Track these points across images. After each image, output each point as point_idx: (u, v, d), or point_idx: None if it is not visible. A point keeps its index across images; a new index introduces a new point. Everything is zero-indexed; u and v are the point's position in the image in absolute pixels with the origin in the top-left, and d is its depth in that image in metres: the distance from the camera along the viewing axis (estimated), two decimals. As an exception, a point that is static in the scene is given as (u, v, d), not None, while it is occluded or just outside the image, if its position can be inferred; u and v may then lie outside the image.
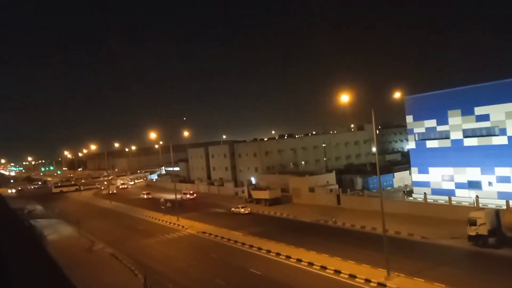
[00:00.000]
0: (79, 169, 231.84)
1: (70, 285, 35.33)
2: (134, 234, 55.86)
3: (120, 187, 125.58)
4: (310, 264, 34.83)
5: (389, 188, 66.50)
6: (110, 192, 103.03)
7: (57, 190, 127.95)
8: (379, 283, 28.99)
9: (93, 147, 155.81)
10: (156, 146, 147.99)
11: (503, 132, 47.61)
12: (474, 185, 50.61)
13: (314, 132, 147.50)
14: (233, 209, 65.47)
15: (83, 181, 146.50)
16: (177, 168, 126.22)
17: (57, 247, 51.79)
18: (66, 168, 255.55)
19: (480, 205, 43.39)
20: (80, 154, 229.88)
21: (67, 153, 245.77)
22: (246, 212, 63.20)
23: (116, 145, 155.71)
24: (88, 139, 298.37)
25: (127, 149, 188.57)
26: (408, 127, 59.52)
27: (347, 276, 31.21)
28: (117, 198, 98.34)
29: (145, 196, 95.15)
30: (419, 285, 27.61)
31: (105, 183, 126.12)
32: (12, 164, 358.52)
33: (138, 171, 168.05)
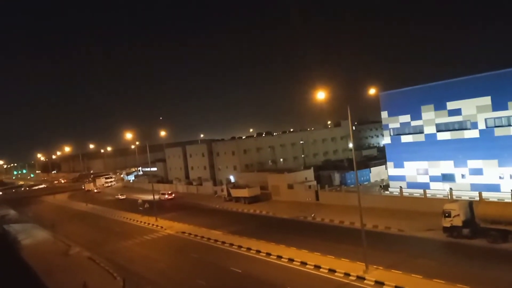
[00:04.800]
0: (53, 172, 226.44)
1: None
2: (112, 236, 54.94)
3: (105, 185, 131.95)
4: (291, 260, 35.02)
5: (366, 183, 67.51)
6: (96, 190, 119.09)
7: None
8: (358, 277, 29.40)
9: (67, 149, 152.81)
10: (133, 147, 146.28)
11: (474, 125, 49.00)
12: (447, 178, 51.94)
13: (291, 130, 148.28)
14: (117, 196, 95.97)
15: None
16: (154, 169, 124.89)
17: (32, 252, 50.59)
18: (40, 171, 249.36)
19: (454, 197, 44.52)
20: (53, 157, 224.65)
21: (40, 156, 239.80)
22: (123, 197, 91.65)
23: (91, 146, 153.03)
24: (62, 141, 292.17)
25: (102, 150, 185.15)
26: (384, 122, 60.56)
27: (326, 271, 31.52)
28: (93, 200, 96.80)
29: (95, 190, 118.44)
30: (397, 277, 28.11)
31: (86, 182, 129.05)
32: None
33: (118, 171, 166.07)
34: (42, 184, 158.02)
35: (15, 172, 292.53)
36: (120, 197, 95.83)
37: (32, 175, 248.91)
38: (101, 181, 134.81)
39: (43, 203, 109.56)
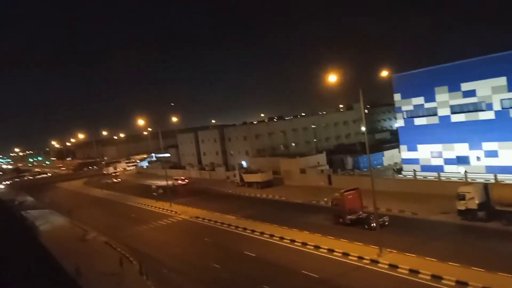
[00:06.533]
0: (67, 159, 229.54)
1: (65, 275, 35.46)
2: (127, 221, 55.85)
3: (127, 169, 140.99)
4: (304, 244, 35.21)
5: (379, 166, 67.06)
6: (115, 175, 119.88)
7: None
8: (371, 260, 29.46)
9: (80, 135, 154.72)
10: (145, 133, 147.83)
11: (489, 107, 48.10)
12: (462, 160, 51.29)
13: (303, 114, 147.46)
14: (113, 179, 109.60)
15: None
16: (167, 155, 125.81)
17: (50, 237, 51.66)
18: (55, 158, 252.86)
19: (469, 180, 44.06)
20: (68, 144, 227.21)
21: (55, 143, 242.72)
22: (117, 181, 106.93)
23: (104, 133, 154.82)
24: (75, 128, 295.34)
25: (115, 137, 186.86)
26: (396, 105, 59.78)
27: (340, 254, 31.66)
28: (108, 186, 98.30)
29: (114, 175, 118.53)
30: (410, 260, 28.11)
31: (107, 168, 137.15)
32: (0, 156, 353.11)
33: (130, 158, 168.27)
34: (46, 173, 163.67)
35: (30, 159, 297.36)
36: (115, 180, 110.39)
37: (47, 162, 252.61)
38: (122, 165, 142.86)
39: (59, 189, 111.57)
